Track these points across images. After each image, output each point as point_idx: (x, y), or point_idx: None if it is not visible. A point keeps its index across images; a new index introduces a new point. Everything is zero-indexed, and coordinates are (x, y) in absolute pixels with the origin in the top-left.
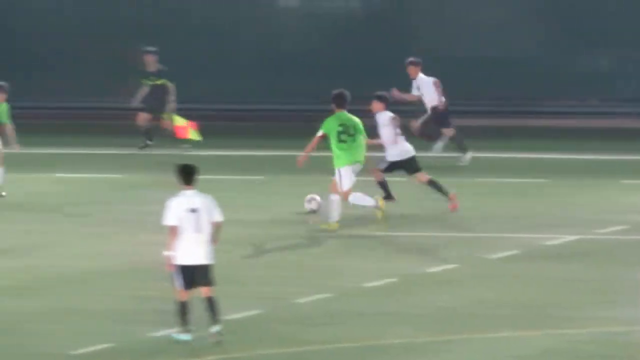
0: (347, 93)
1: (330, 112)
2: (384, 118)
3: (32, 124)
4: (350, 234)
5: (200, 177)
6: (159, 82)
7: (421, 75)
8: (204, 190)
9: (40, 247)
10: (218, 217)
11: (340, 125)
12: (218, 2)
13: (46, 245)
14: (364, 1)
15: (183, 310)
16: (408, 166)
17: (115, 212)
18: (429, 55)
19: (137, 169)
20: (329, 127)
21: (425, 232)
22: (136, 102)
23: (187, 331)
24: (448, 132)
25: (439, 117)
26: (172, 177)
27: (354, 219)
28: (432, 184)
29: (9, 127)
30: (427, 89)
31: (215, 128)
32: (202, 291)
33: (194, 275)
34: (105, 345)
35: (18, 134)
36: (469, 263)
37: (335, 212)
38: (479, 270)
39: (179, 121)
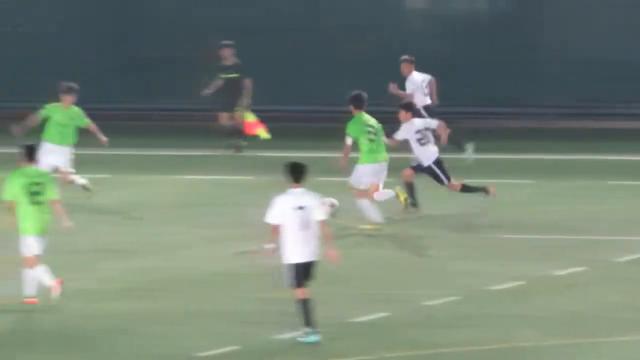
0: (364, 94)
1: (349, 115)
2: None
3: (158, 126)
4: (463, 237)
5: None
6: (233, 75)
7: (414, 74)
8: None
9: (164, 249)
10: (320, 216)
11: (367, 126)
12: (346, 4)
13: (169, 247)
14: (490, 3)
15: (307, 308)
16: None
17: (238, 214)
18: (555, 56)
19: (259, 171)
20: (356, 130)
21: (540, 234)
22: (208, 92)
23: (315, 332)
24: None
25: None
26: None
27: (464, 223)
28: (408, 187)
29: (92, 126)
30: (414, 88)
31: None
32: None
33: (304, 272)
34: (230, 348)
35: (152, 135)
36: (595, 266)
37: (373, 214)
38: (605, 273)
39: (250, 117)
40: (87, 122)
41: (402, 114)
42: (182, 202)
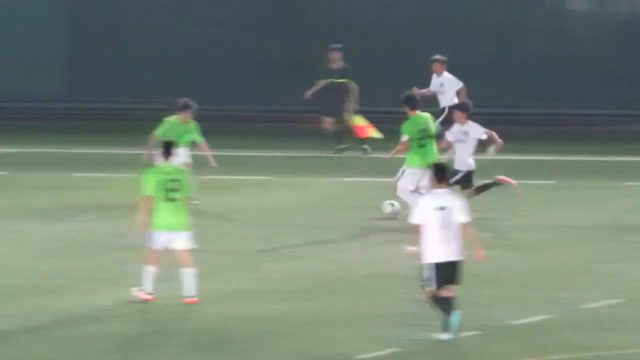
0: (416, 96)
1: (404, 116)
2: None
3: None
4: (602, 238)
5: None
6: (341, 80)
7: (446, 74)
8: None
9: (320, 252)
10: (464, 218)
11: (421, 130)
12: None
13: (325, 249)
14: None
15: (440, 303)
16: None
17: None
18: None
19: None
20: (410, 130)
21: None
22: (310, 95)
23: (448, 330)
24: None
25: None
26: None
27: (599, 225)
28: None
29: (203, 146)
30: (449, 88)
31: (511, 132)
32: (447, 290)
33: (444, 273)
34: (390, 350)
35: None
36: None
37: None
38: None
39: (359, 121)
40: (200, 139)
41: (458, 115)
42: (332, 204)
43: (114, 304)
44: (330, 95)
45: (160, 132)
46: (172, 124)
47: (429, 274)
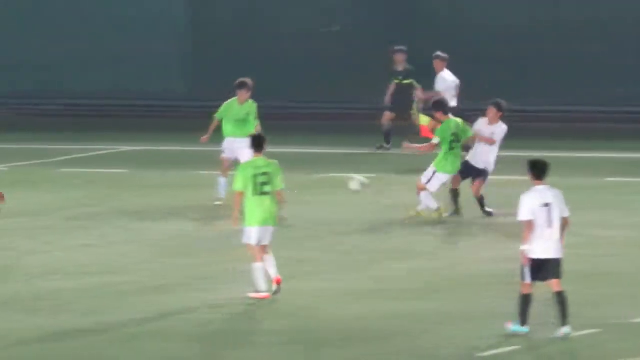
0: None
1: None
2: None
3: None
4: None
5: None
6: (405, 82)
7: (444, 72)
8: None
9: (439, 250)
10: (566, 212)
11: (453, 134)
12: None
13: (444, 248)
14: None
15: (526, 303)
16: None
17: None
18: None
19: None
20: (443, 134)
21: None
22: (388, 100)
23: (525, 324)
24: None
25: None
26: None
27: None
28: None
29: (257, 128)
30: (441, 87)
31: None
32: (553, 284)
33: (543, 269)
34: (511, 348)
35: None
36: None
37: (432, 203)
38: None
39: (424, 120)
40: (254, 120)
41: (494, 113)
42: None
43: (229, 302)
44: (396, 95)
45: (218, 114)
46: (229, 105)
47: (526, 268)
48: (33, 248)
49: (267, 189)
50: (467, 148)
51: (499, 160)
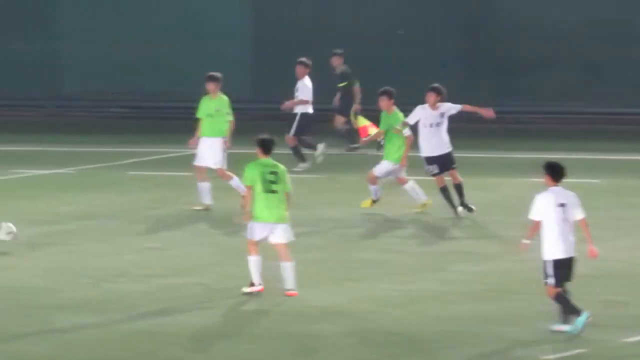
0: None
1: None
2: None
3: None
4: None
5: None
6: (341, 85)
7: (306, 79)
8: None
9: (508, 252)
10: (580, 214)
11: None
12: None
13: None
14: None
15: (565, 300)
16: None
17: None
18: None
19: (612, 174)
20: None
21: None
22: (334, 104)
23: (575, 313)
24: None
25: (306, 123)
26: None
27: None
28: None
29: (232, 124)
30: (302, 94)
31: None
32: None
33: (565, 267)
34: (577, 351)
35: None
36: None
37: (419, 194)
38: None
39: (362, 122)
40: (229, 117)
41: (433, 97)
42: (515, 204)
43: (299, 304)
44: (340, 98)
45: (198, 113)
46: (203, 101)
47: (549, 270)
48: (101, 251)
49: (275, 187)
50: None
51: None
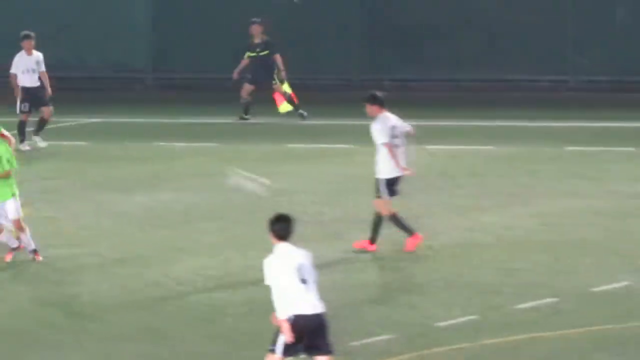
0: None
1: None
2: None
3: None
4: None
5: None
6: (262, 53)
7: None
8: None
9: (414, 220)
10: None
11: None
12: None
13: (420, 217)
14: None
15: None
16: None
17: (489, 185)
18: None
19: (508, 141)
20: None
21: None
22: (237, 74)
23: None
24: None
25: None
26: None
27: None
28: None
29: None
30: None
31: None
32: None
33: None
34: (469, 318)
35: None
36: None
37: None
38: None
39: (286, 89)
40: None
41: (376, 109)
42: (437, 172)
43: (195, 274)
44: (255, 66)
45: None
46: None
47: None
48: None
49: None
50: None
51: None
